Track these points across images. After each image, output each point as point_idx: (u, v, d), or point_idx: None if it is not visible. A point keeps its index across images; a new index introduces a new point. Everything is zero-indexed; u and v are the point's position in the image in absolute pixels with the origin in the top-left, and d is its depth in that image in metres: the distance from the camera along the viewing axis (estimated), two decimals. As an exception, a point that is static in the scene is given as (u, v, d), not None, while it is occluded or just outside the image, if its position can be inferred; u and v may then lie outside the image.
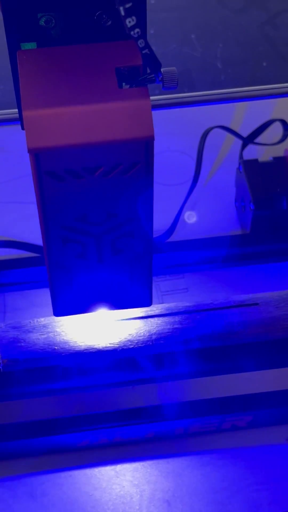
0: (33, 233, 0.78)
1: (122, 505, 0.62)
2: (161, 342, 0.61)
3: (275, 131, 0.83)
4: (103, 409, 0.63)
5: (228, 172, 0.82)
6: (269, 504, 0.62)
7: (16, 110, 0.64)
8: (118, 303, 0.54)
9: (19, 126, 0.66)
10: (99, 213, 0.46)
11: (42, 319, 0.63)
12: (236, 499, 0.63)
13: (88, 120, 0.41)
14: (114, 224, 0.47)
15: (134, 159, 0.43)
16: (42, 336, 0.62)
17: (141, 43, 0.41)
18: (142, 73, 0.43)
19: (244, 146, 0.82)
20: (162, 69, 0.43)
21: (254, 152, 0.83)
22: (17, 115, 0.64)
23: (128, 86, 0.43)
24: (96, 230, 0.47)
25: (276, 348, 0.63)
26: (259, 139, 0.83)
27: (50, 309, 0.73)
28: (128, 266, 0.50)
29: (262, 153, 0.84)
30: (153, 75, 0.43)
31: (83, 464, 0.64)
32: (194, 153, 0.81)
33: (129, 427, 0.63)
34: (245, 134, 0.82)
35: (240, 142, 0.82)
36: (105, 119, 0.41)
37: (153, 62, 0.42)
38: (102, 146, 0.41)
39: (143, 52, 0.41)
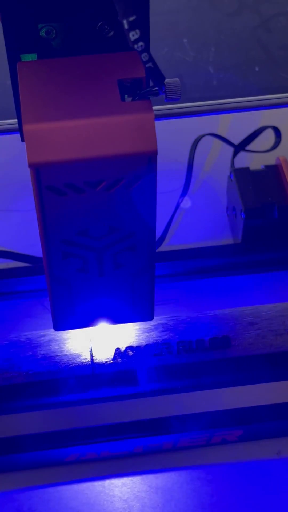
0: (22, 243, 0.77)
1: (110, 521, 0.61)
2: (149, 356, 0.61)
3: (267, 138, 0.82)
4: (91, 424, 0.63)
5: (219, 180, 0.81)
6: (259, 520, 0.62)
7: (5, 121, 0.63)
8: (119, 318, 0.53)
9: (4, 136, 0.65)
10: (101, 227, 0.45)
11: (30, 332, 0.62)
12: (226, 514, 0.62)
13: (89, 134, 0.40)
14: (115, 238, 0.46)
15: (137, 174, 0.42)
16: (33, 350, 0.61)
17: (144, 56, 0.40)
18: (145, 85, 0.42)
19: (235, 153, 0.81)
20: (165, 81, 0.42)
21: (245, 160, 0.82)
22: (6, 126, 0.63)
23: (130, 98, 0.42)
24: (97, 244, 0.46)
25: (267, 362, 0.62)
26: (251, 146, 0.82)
27: (39, 320, 0.73)
28: (129, 280, 0.50)
29: (254, 161, 0.83)
30: (156, 88, 0.42)
31: (71, 479, 0.63)
32: (185, 161, 0.81)
33: (117, 441, 0.62)
34: (236, 141, 0.81)
35: (231, 149, 0.81)
36: (107, 132, 0.40)
37: (156, 75, 0.41)
38: (104, 160, 0.40)
39: (147, 65, 0.40)
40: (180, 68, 0.99)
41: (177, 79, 0.44)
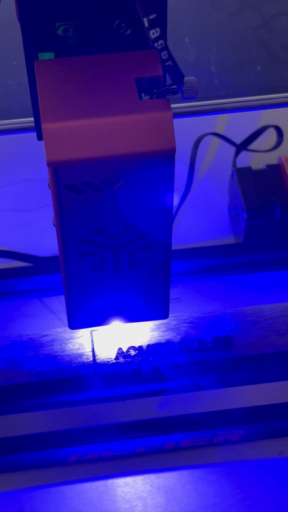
0: (22, 242, 0.77)
1: (112, 521, 0.61)
2: (152, 355, 0.61)
3: (269, 138, 0.82)
4: (94, 424, 0.63)
5: (221, 180, 0.81)
6: (261, 520, 0.61)
7: (5, 121, 0.63)
8: (134, 316, 0.53)
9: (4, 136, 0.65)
10: (118, 225, 0.45)
11: (32, 333, 0.62)
12: (228, 514, 0.62)
13: (108, 133, 0.40)
14: (132, 237, 0.46)
15: (155, 172, 0.42)
16: (35, 350, 0.61)
17: (164, 54, 0.40)
18: (162, 84, 0.42)
19: (237, 153, 0.81)
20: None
21: (247, 159, 0.82)
22: (6, 127, 0.63)
23: (148, 97, 0.42)
24: (114, 242, 0.46)
25: (269, 362, 0.62)
26: (253, 146, 0.82)
27: (41, 320, 0.73)
28: (145, 279, 0.50)
29: (256, 160, 0.83)
30: (175, 86, 0.42)
31: (73, 479, 0.63)
32: (187, 160, 0.81)
33: (119, 441, 0.62)
34: (237, 140, 0.81)
35: (233, 148, 0.81)
36: (125, 131, 0.40)
37: (176, 73, 0.41)
38: (122, 159, 0.40)
39: (166, 63, 0.40)
40: (181, 68, 0.99)
41: (194, 77, 0.43)
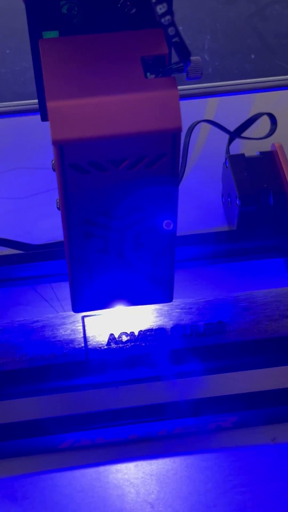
0: (14, 229, 0.77)
1: (104, 507, 0.61)
2: (143, 341, 0.60)
3: (262, 124, 0.82)
4: (86, 410, 0.62)
5: (214, 167, 0.81)
6: (254, 506, 0.61)
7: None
8: (138, 299, 0.53)
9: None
10: (123, 207, 0.45)
11: (23, 318, 0.62)
12: (221, 501, 0.61)
13: (113, 111, 0.40)
14: (137, 218, 0.46)
15: (161, 152, 0.41)
16: (26, 336, 0.61)
17: (171, 31, 0.39)
18: (168, 63, 0.42)
19: (231, 140, 0.81)
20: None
21: (240, 146, 0.82)
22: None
23: (153, 76, 0.42)
24: (119, 224, 0.46)
25: (262, 347, 0.61)
26: (246, 132, 0.81)
27: (33, 307, 0.73)
28: (150, 261, 0.49)
29: (249, 147, 0.82)
30: (181, 65, 0.41)
31: (65, 466, 0.63)
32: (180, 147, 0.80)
33: (111, 428, 0.62)
34: (229, 126, 0.80)
35: (226, 135, 0.81)
36: (131, 110, 0.40)
37: (183, 50, 0.40)
38: (128, 138, 0.40)
39: (173, 40, 0.40)
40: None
41: (199, 57, 0.43)
